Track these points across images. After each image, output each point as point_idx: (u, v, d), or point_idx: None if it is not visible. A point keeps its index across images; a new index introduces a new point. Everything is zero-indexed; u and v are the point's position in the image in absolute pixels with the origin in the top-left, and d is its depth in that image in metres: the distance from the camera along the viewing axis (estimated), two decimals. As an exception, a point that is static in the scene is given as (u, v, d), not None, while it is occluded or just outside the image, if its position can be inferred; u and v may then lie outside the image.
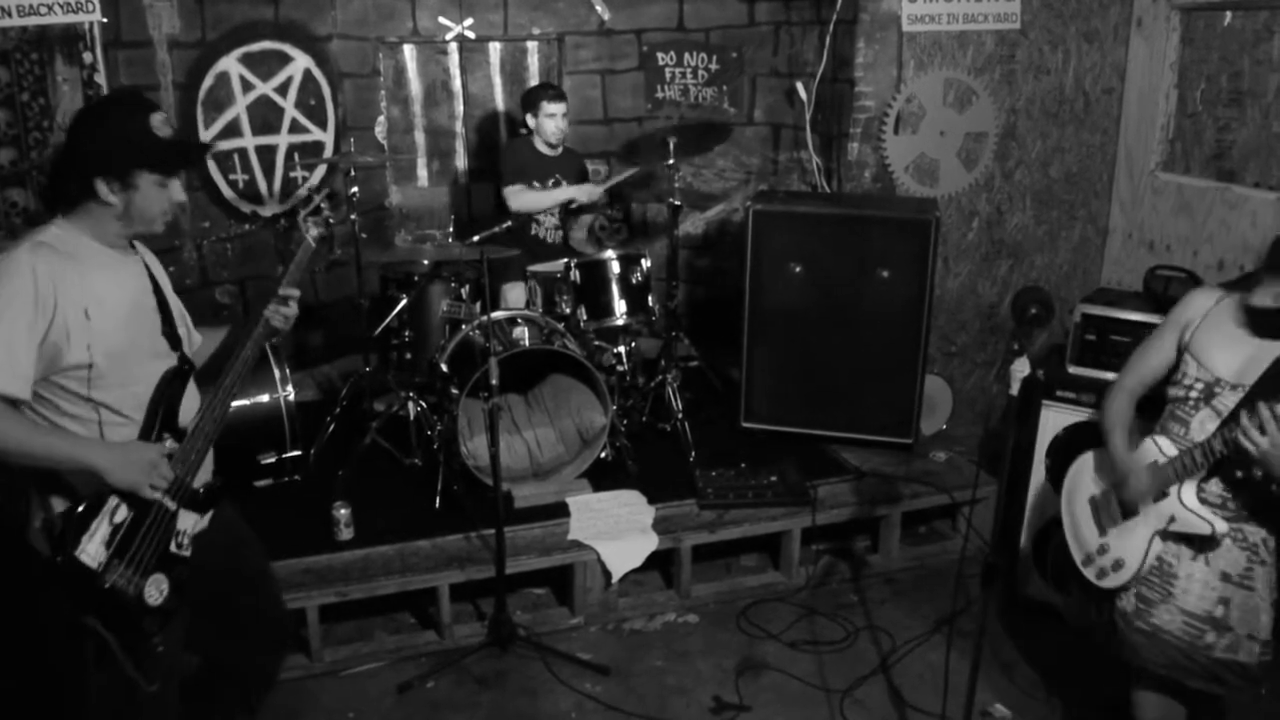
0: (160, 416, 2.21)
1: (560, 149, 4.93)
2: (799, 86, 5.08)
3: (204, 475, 2.34)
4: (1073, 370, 3.63)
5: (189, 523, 2.25)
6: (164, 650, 2.16)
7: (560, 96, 4.82)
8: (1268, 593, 2.48)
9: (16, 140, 4.05)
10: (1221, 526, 2.42)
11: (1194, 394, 2.49)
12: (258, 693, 2.77)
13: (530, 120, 4.83)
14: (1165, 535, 2.52)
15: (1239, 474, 2.41)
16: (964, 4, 4.56)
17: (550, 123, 4.78)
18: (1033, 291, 2.68)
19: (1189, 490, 2.46)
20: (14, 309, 1.99)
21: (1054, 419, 3.61)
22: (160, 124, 2.16)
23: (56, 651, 2.27)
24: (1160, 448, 2.52)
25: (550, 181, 4.88)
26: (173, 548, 2.20)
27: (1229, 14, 4.30)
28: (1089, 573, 2.69)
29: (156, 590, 2.14)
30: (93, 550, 2.05)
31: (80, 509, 2.07)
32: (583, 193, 4.89)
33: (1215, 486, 2.48)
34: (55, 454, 2.07)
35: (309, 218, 2.46)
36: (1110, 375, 3.54)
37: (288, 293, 2.37)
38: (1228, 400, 2.41)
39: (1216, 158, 4.40)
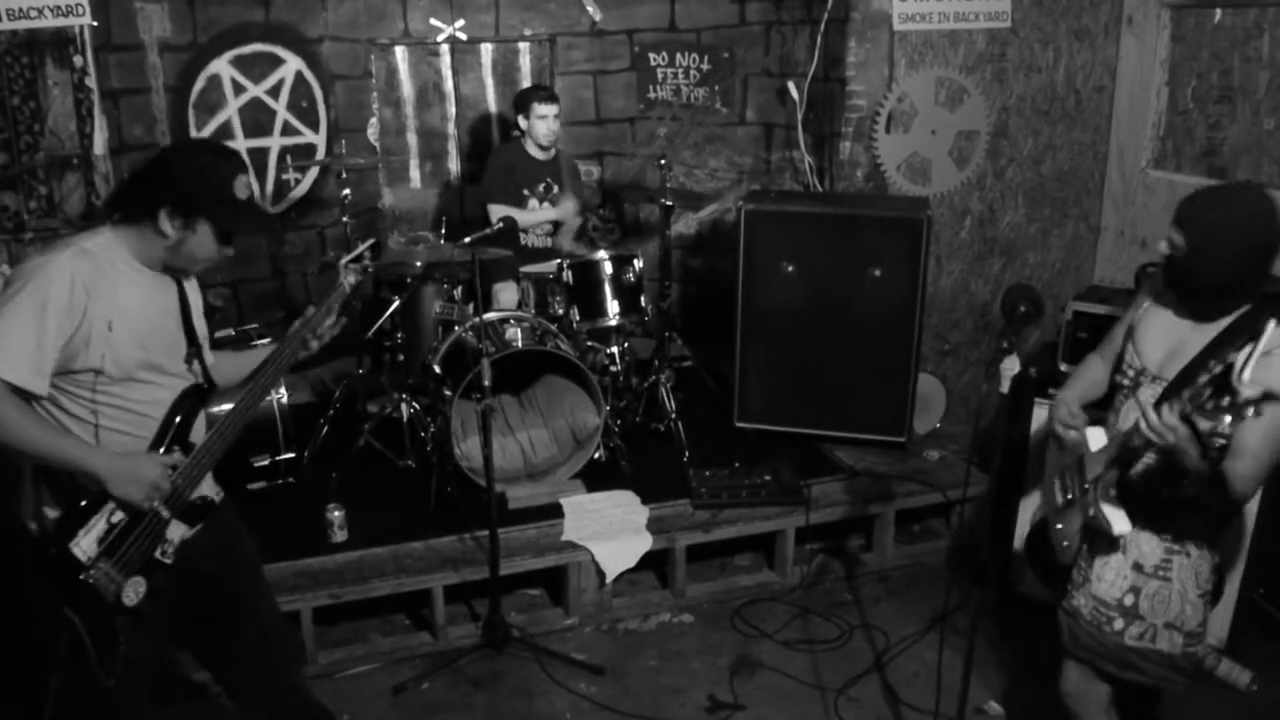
0: (174, 430, 2.27)
1: (553, 151, 4.92)
2: (791, 86, 5.08)
3: (203, 488, 2.37)
4: (1065, 368, 3.64)
5: (178, 532, 2.29)
6: (126, 650, 2.19)
7: (552, 98, 4.80)
8: (1192, 585, 2.44)
9: (7, 144, 4.05)
10: (1121, 528, 2.41)
11: (1126, 382, 2.49)
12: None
13: (522, 122, 4.82)
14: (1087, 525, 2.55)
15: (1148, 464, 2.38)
16: (955, 3, 4.56)
17: (542, 124, 4.76)
18: (1022, 289, 2.69)
19: (1104, 487, 2.45)
20: (49, 310, 2.06)
21: (1046, 417, 3.62)
22: (242, 187, 2.23)
23: (41, 632, 2.29)
24: (1089, 439, 2.50)
25: (541, 186, 4.86)
26: (158, 554, 2.24)
27: (1219, 11, 4.31)
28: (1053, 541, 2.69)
29: (133, 592, 2.19)
30: (85, 545, 2.12)
31: (83, 504, 2.14)
32: (565, 213, 4.89)
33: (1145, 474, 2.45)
34: (63, 455, 2.12)
35: (350, 264, 2.48)
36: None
37: (312, 335, 2.44)
38: (1146, 393, 2.39)
39: (1207, 155, 4.41)
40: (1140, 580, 2.47)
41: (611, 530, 3.81)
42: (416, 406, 4.27)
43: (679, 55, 5.59)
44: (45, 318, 2.05)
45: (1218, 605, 3.46)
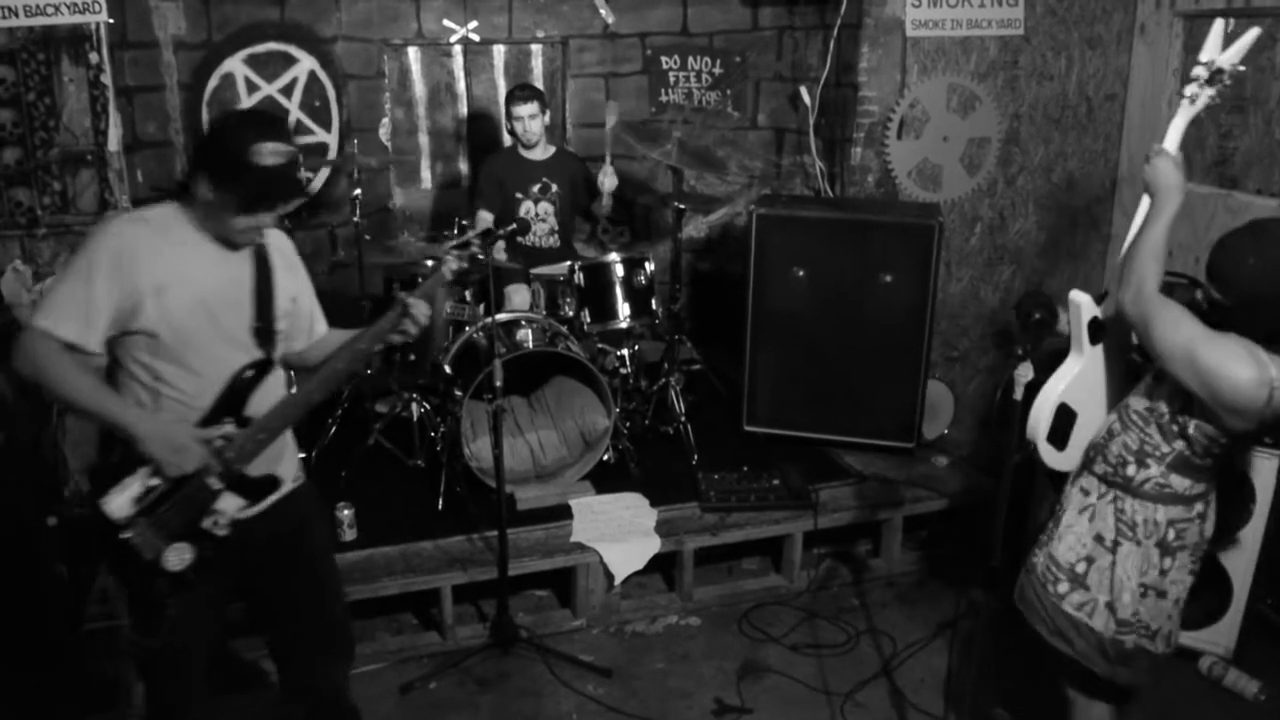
0: (225, 402, 2.27)
1: (552, 150, 4.89)
2: (803, 91, 5.09)
3: (271, 466, 2.37)
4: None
5: (232, 505, 2.28)
6: (176, 614, 2.22)
7: (529, 98, 4.70)
8: (1134, 574, 2.44)
9: (22, 140, 4.06)
10: (1060, 464, 2.57)
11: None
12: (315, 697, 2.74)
13: (507, 124, 4.82)
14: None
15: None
16: (968, 10, 4.57)
17: (520, 125, 4.72)
18: (1037, 296, 2.69)
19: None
20: (94, 269, 2.13)
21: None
22: (267, 153, 2.16)
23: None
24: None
25: (536, 187, 4.85)
26: (206, 523, 2.24)
27: (1232, 21, 4.30)
28: None
29: (177, 557, 2.20)
30: (119, 504, 2.16)
31: (115, 461, 2.20)
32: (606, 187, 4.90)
33: (1122, 449, 2.47)
34: (104, 411, 2.16)
35: (454, 249, 2.47)
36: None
37: (413, 302, 2.36)
38: None
39: (1219, 164, 4.41)
40: (1097, 552, 2.48)
41: (620, 532, 3.82)
42: (427, 406, 4.28)
43: (691, 59, 5.60)
44: (92, 277, 2.12)
45: (1224, 617, 3.50)
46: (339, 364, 2.36)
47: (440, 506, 3.97)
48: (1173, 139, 2.69)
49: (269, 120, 2.28)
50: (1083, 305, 2.71)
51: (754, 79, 5.51)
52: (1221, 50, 2.54)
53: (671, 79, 5.66)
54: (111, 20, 4.05)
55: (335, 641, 2.68)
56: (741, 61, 5.50)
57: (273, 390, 2.37)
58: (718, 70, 5.57)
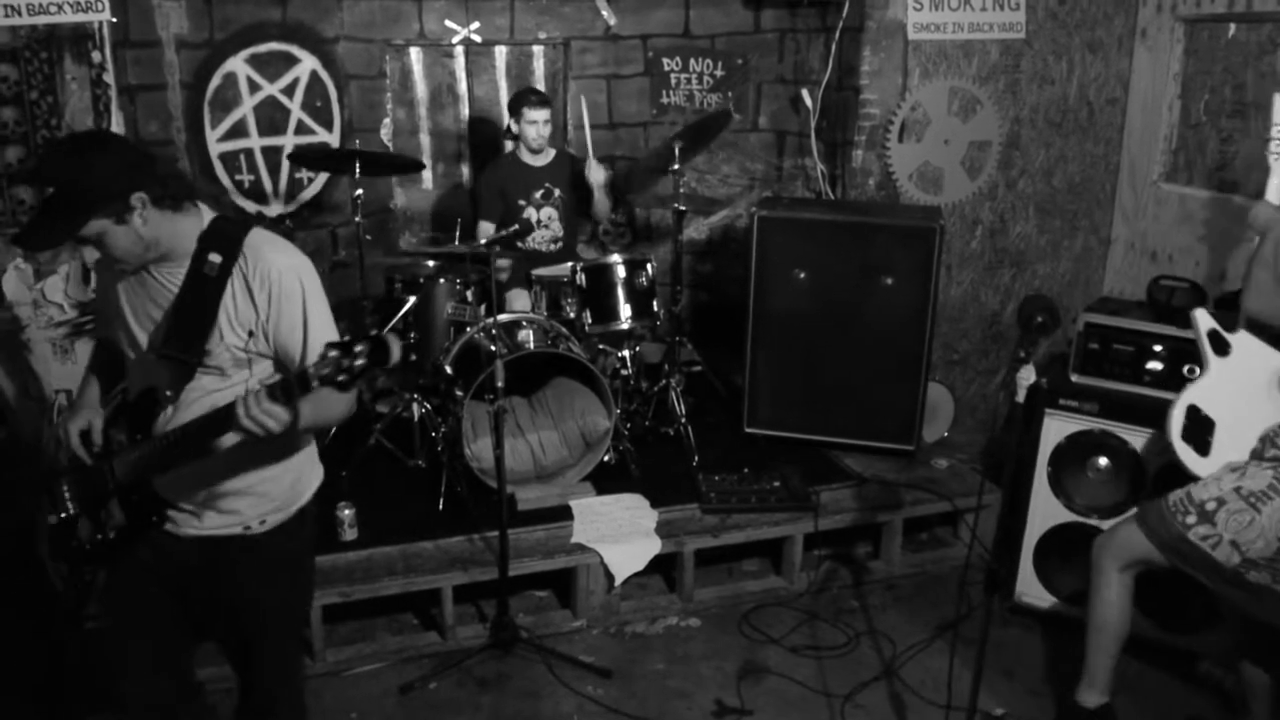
0: (121, 407, 2.31)
1: (554, 154, 4.90)
2: (804, 93, 5.10)
3: (171, 494, 2.24)
4: (1075, 379, 3.65)
5: (117, 513, 2.25)
6: (93, 583, 2.30)
7: (543, 103, 4.72)
8: (1277, 524, 2.65)
9: (25, 138, 4.06)
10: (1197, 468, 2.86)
11: None
12: None
13: (514, 126, 4.81)
14: None
15: None
16: (969, 13, 4.58)
17: (532, 129, 4.72)
18: (1039, 300, 2.71)
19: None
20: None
21: (1056, 427, 3.63)
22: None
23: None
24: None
25: (539, 193, 4.85)
26: (101, 516, 2.27)
27: (1233, 26, 4.32)
28: None
29: (86, 530, 2.27)
30: (64, 457, 2.30)
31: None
32: (596, 179, 4.88)
33: None
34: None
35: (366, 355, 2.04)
36: (1113, 384, 3.59)
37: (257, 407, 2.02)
38: None
39: (1219, 169, 4.42)
40: (1230, 496, 2.72)
41: (620, 533, 3.82)
42: (428, 407, 4.28)
43: (693, 61, 5.61)
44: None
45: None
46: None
47: (441, 507, 3.97)
48: (1273, 192, 3.01)
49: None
50: (1198, 319, 2.96)
51: (755, 81, 5.52)
52: None
53: (673, 81, 5.67)
54: (114, 19, 4.06)
55: (250, 698, 2.50)
56: (743, 64, 5.51)
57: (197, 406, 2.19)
58: (719, 72, 5.57)
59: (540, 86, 5.60)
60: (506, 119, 4.88)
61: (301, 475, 2.37)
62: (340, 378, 1.85)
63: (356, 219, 4.44)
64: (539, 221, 4.88)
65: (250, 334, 2.16)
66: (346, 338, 1.87)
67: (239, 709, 2.56)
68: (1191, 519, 2.77)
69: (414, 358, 4.38)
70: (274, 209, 5.09)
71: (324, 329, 2.18)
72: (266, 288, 2.14)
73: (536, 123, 4.72)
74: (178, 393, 2.17)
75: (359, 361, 1.84)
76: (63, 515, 2.23)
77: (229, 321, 2.14)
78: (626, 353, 4.58)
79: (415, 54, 5.46)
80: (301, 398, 1.94)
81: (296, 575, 2.47)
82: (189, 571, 2.30)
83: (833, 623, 3.83)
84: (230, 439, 2.11)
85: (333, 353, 1.85)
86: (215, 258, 2.13)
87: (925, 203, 4.73)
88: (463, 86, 5.60)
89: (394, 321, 4.34)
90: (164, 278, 2.17)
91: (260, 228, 2.23)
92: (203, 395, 2.18)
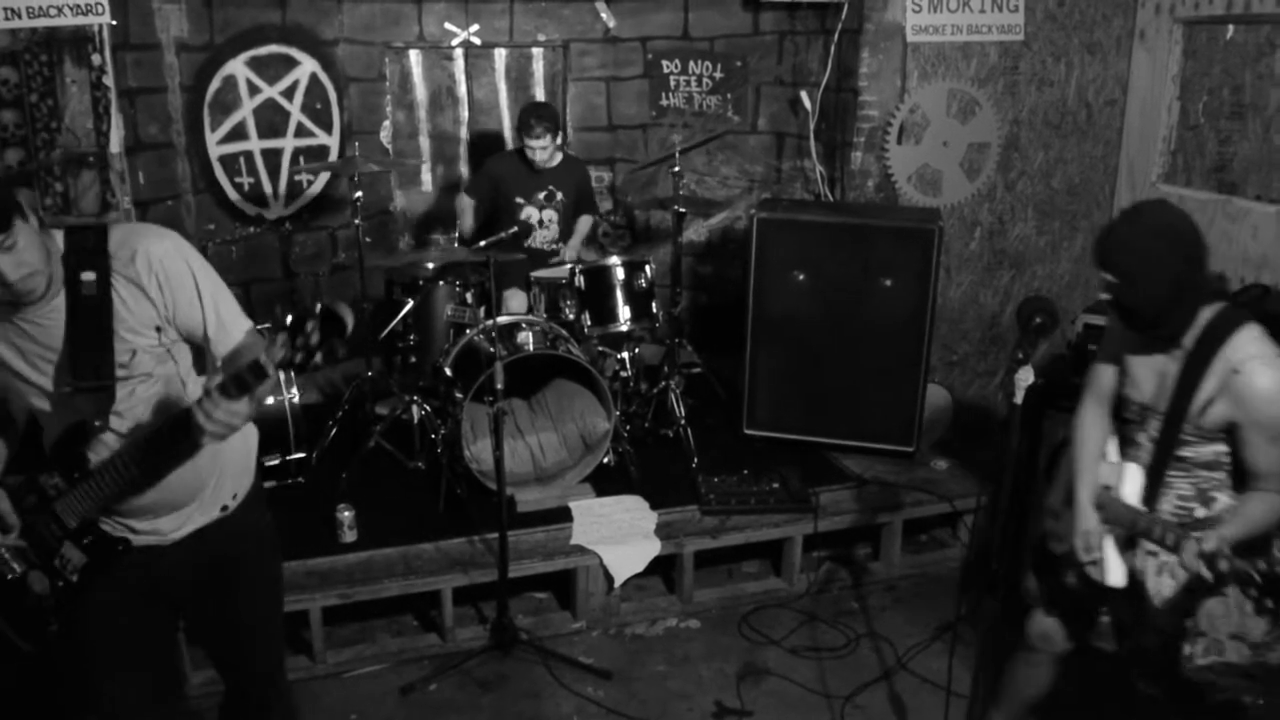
0: (58, 453, 2.16)
1: (559, 158, 4.88)
2: (803, 95, 5.10)
3: (174, 507, 2.24)
4: (1076, 380, 3.65)
5: (74, 555, 2.18)
6: (57, 629, 2.22)
7: (544, 131, 4.67)
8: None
9: (24, 141, 4.07)
10: (1115, 579, 2.48)
11: (1134, 419, 2.53)
12: None
13: (517, 142, 4.83)
14: None
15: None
16: (968, 15, 4.59)
17: (532, 154, 4.73)
18: (1038, 301, 2.69)
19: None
20: None
21: (1055, 428, 3.63)
22: None
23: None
24: (1126, 476, 2.51)
25: (542, 195, 4.85)
26: (56, 563, 2.18)
27: (1231, 28, 4.33)
28: None
29: (40, 583, 2.19)
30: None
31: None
32: (580, 231, 4.97)
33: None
34: None
35: (288, 342, 1.93)
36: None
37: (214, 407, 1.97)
38: (1153, 427, 2.44)
39: (1218, 170, 4.43)
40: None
41: (620, 535, 3.82)
42: (428, 409, 4.28)
43: (692, 63, 5.61)
44: None
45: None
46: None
47: (441, 508, 3.97)
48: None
49: None
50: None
51: (755, 83, 5.52)
52: None
53: (672, 83, 5.67)
54: (114, 22, 4.07)
55: (249, 695, 2.54)
56: (742, 66, 5.52)
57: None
58: (718, 74, 5.58)
59: (540, 89, 5.61)
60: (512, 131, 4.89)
61: (247, 433, 2.33)
62: (298, 358, 1.82)
63: (356, 221, 4.44)
64: (540, 222, 4.89)
65: (158, 329, 2.12)
66: (290, 318, 1.83)
67: (224, 706, 2.59)
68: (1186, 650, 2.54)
69: (413, 359, 4.38)
70: (274, 211, 5.10)
71: (219, 297, 2.15)
72: (154, 277, 2.08)
73: (535, 150, 4.72)
74: (106, 417, 2.11)
75: (314, 337, 1.80)
76: (7, 577, 2.16)
77: (131, 330, 2.09)
78: (626, 354, 4.58)
79: (415, 56, 5.47)
80: (258, 386, 1.88)
81: (274, 540, 2.51)
82: (178, 583, 2.31)
83: (832, 624, 3.84)
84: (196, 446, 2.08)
85: (281, 335, 1.81)
86: (89, 275, 2.05)
87: (924, 204, 4.74)
88: (462, 89, 5.60)
89: (393, 324, 4.34)
90: (43, 318, 2.07)
91: (116, 224, 2.17)
92: (138, 402, 2.14)
